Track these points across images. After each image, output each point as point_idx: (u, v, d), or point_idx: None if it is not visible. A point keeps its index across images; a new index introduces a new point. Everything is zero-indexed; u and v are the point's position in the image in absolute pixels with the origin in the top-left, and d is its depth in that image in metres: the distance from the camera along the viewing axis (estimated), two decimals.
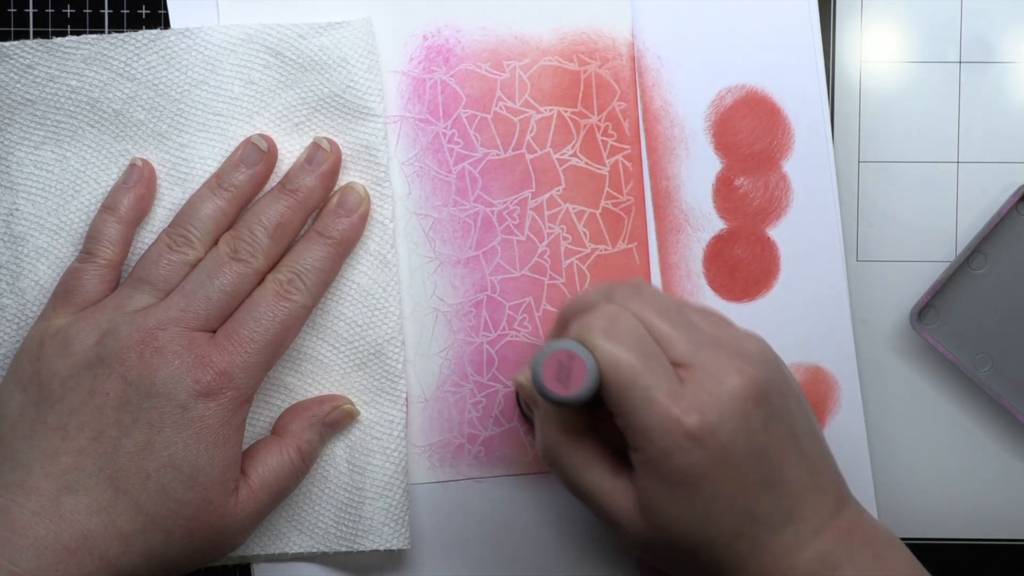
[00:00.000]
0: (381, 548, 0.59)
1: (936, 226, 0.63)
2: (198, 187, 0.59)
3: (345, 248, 0.59)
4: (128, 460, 0.54)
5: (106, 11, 0.63)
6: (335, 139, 0.60)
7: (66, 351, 0.56)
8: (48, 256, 0.60)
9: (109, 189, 0.60)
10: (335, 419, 0.59)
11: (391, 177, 0.61)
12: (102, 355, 0.55)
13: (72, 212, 0.60)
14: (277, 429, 0.59)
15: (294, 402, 0.60)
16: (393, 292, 0.60)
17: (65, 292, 0.58)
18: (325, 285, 0.58)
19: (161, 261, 0.57)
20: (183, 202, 0.59)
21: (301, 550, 0.60)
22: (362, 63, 0.60)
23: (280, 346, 0.57)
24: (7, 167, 0.60)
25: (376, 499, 0.60)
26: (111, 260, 0.58)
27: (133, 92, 0.60)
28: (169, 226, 0.58)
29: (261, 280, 0.57)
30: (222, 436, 0.55)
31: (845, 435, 0.62)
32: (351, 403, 0.60)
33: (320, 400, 0.60)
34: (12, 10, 0.63)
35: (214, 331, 0.56)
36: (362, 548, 0.59)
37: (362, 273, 0.60)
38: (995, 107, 0.62)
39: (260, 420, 0.60)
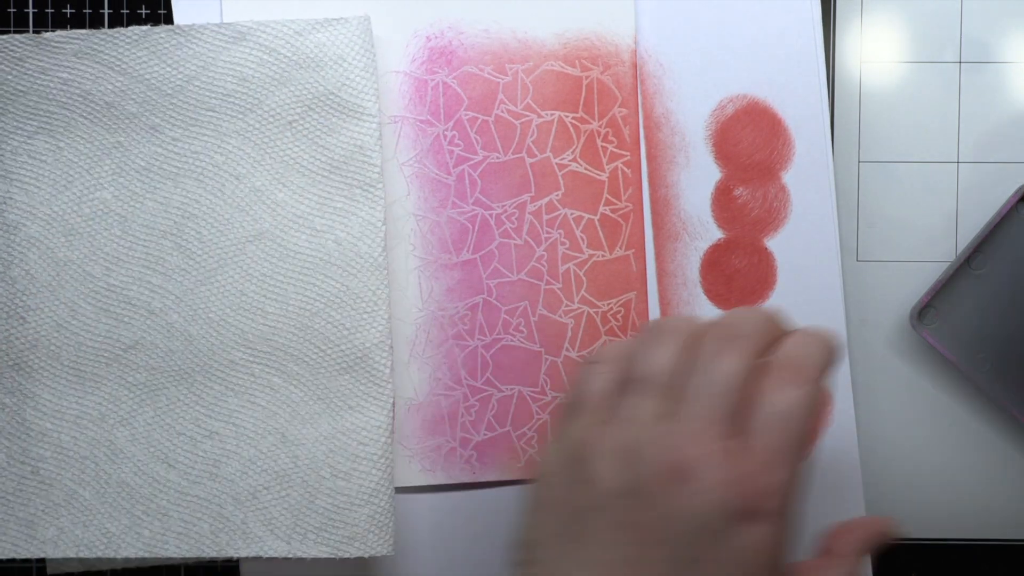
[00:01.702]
0: (365, 555, 0.59)
1: (936, 226, 0.63)
2: (191, 183, 0.59)
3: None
4: None
5: (106, 11, 0.63)
6: (328, 137, 0.59)
7: (589, 477, 0.48)
8: (39, 246, 0.60)
9: (101, 181, 0.59)
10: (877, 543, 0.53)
11: (391, 178, 0.61)
12: (634, 482, 0.48)
13: (64, 203, 0.60)
14: (823, 549, 0.53)
15: (278, 403, 0.60)
16: (382, 296, 0.60)
17: (576, 395, 0.52)
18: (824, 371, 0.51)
19: (653, 354, 0.50)
20: (175, 197, 0.59)
21: (277, 555, 0.59)
22: (359, 62, 0.60)
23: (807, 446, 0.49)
24: (0, 156, 0.60)
25: (362, 505, 0.59)
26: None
27: (125, 86, 0.60)
28: (643, 329, 0.53)
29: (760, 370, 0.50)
30: (769, 563, 0.48)
31: (837, 448, 0.62)
32: (895, 525, 0.54)
33: (866, 522, 0.54)
34: (12, 10, 0.63)
35: (736, 437, 0.48)
36: (346, 555, 0.59)
37: (351, 276, 0.60)
38: (995, 107, 0.62)
39: (247, 417, 0.60)
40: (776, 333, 0.50)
